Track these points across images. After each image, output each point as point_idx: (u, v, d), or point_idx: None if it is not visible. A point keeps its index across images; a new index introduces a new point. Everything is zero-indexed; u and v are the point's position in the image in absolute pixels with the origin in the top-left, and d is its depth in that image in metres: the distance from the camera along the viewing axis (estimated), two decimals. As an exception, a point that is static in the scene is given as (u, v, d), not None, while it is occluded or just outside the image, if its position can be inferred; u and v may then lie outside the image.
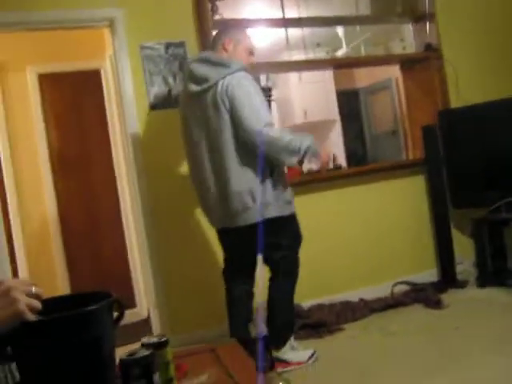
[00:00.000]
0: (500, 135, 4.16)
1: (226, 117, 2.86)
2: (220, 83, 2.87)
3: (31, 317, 1.01)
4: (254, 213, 2.90)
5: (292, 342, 3.17)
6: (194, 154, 3.09)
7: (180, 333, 3.65)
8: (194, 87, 2.97)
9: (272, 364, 1.05)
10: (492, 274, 4.17)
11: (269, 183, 2.94)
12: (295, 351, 3.14)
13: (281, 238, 3.05)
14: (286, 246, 3.08)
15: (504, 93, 4.22)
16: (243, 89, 2.85)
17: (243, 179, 2.89)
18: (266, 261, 3.11)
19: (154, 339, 1.21)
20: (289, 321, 3.18)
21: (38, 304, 1.04)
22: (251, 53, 3.13)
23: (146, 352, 1.11)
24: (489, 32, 4.75)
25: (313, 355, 3.14)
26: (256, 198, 2.89)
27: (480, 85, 4.57)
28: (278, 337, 3.11)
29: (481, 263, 4.21)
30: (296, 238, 3.15)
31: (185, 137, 3.15)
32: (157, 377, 1.11)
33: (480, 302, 3.84)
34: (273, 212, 2.94)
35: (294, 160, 2.88)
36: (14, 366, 1.09)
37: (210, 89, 2.90)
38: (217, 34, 3.17)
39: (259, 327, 0.96)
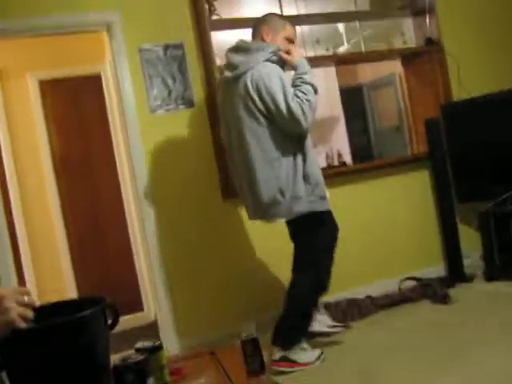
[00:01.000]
0: (503, 127, 4.11)
1: (254, 109, 2.89)
2: (249, 74, 2.89)
3: (23, 325, 1.01)
4: (283, 208, 2.91)
5: (303, 343, 3.09)
6: (229, 142, 3.12)
7: (187, 336, 3.65)
8: (227, 73, 3.02)
9: (262, 367, 1.04)
10: (499, 267, 4.12)
11: (300, 176, 2.92)
12: (304, 351, 3.07)
13: (312, 237, 3.03)
14: (317, 247, 3.05)
15: (506, 84, 4.18)
16: (268, 76, 2.87)
17: (271, 175, 2.88)
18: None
19: (148, 343, 1.20)
20: (302, 325, 3.12)
21: (29, 313, 1.04)
22: (291, 41, 3.11)
23: (139, 357, 1.10)
24: (489, 23, 4.71)
25: (320, 356, 3.09)
26: (285, 192, 2.89)
27: (482, 76, 4.53)
28: (288, 336, 3.06)
29: (488, 256, 4.17)
30: (330, 239, 3.09)
31: (224, 127, 3.17)
32: (151, 381, 1.10)
33: (488, 296, 3.81)
34: (302, 207, 2.91)
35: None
36: (4, 374, 1.08)
37: (242, 76, 2.92)
38: (256, 23, 3.16)
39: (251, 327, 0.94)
